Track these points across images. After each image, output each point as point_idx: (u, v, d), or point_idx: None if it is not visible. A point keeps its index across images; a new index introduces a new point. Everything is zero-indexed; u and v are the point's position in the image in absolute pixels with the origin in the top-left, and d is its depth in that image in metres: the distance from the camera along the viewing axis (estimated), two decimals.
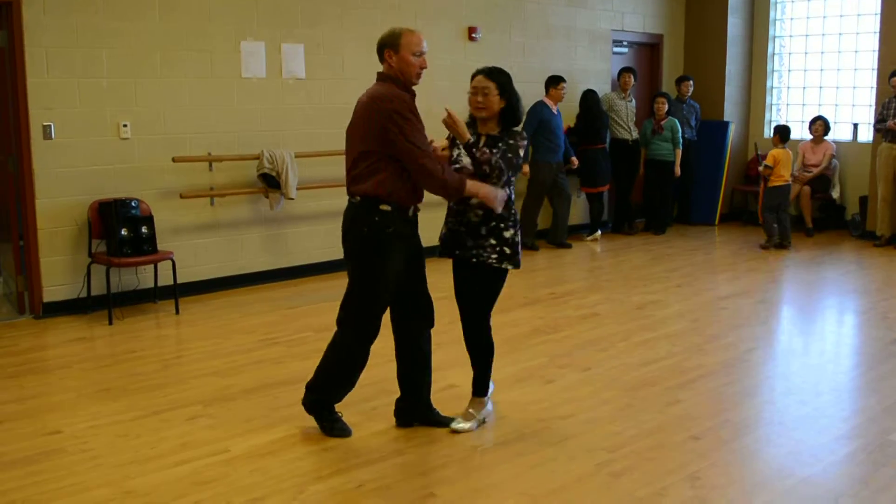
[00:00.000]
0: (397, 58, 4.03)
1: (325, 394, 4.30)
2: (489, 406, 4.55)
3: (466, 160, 4.18)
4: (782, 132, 9.55)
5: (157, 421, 4.58)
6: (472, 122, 4.31)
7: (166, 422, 4.56)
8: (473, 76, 4.26)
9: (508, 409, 4.71)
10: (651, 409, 4.73)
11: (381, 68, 4.14)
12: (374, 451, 4.14)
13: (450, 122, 4.11)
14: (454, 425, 4.35)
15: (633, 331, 6.31)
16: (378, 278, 4.10)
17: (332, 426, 4.31)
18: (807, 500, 3.64)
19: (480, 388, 4.48)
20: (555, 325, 6.37)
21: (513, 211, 4.30)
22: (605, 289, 7.71)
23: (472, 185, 4.08)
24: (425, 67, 4.10)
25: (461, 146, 4.20)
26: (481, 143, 4.22)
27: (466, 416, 4.41)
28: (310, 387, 4.33)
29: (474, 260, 4.24)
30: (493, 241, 4.22)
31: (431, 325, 4.40)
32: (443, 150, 4.29)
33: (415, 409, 4.42)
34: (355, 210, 4.10)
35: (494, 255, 4.23)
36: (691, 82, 11.00)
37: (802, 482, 3.80)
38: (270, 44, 7.71)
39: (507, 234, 4.25)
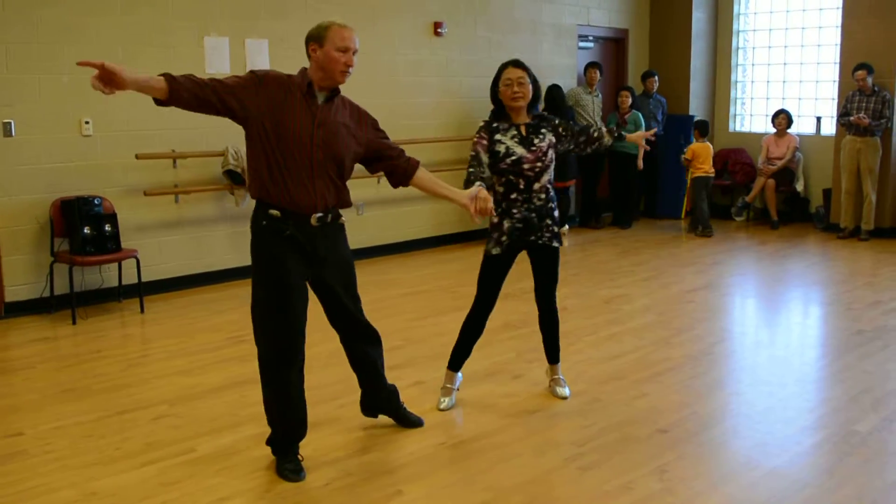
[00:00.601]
0: (321, 52, 3.69)
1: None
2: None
3: (520, 150, 4.38)
4: (701, 127, 10.30)
5: (121, 421, 4.52)
6: (498, 116, 4.49)
7: (131, 422, 4.51)
8: (503, 68, 4.46)
9: (477, 404, 4.71)
10: (618, 402, 4.75)
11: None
12: (340, 448, 4.12)
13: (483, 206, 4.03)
14: (561, 391, 4.80)
15: (600, 325, 6.33)
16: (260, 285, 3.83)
17: (282, 468, 3.87)
18: (773, 492, 3.66)
19: (558, 353, 4.85)
20: (524, 320, 6.36)
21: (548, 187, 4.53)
22: (572, 283, 7.72)
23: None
24: (351, 65, 3.72)
25: (512, 138, 4.41)
26: (523, 133, 4.44)
27: (560, 383, 4.85)
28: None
29: (543, 242, 4.52)
30: (549, 222, 4.51)
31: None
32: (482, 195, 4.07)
33: (378, 399, 4.31)
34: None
35: (551, 235, 4.54)
36: (657, 78, 11.06)
37: (769, 474, 3.83)
38: (234, 39, 7.65)
39: (556, 213, 4.57)
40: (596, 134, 4.65)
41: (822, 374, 5.35)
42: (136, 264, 6.82)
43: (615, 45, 11.70)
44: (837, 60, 10.26)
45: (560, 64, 10.68)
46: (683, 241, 9.87)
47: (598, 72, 10.47)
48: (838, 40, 10.25)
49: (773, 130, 10.73)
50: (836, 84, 10.30)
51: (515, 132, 4.43)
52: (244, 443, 4.20)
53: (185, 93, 3.63)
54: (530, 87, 4.41)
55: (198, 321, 6.51)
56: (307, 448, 4.01)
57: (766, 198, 10.62)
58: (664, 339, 5.93)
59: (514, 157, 4.36)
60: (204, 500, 3.61)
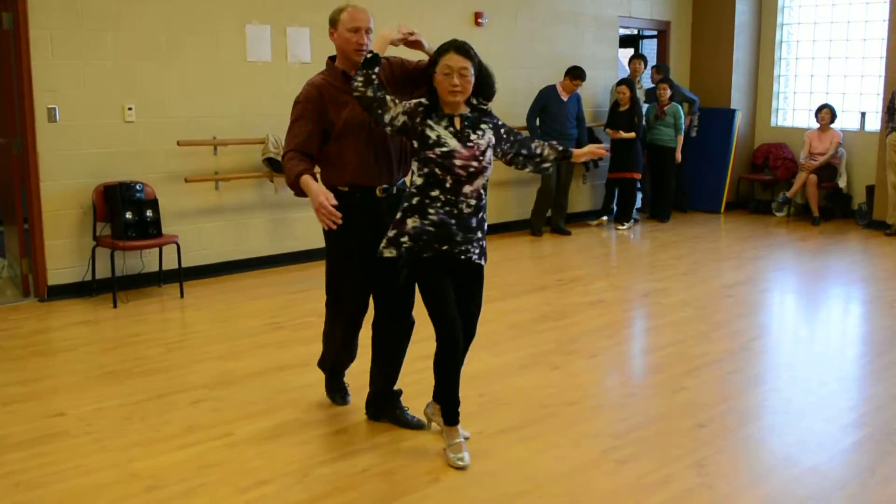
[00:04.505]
0: (337, 34, 3.97)
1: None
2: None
3: (454, 143, 3.72)
4: None
5: (161, 404, 4.57)
6: (431, 104, 3.79)
7: (171, 405, 4.56)
8: (443, 52, 3.74)
9: (514, 394, 4.69)
10: (657, 396, 4.72)
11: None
12: (379, 435, 4.12)
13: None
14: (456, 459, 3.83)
15: (639, 318, 6.30)
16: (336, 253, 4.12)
17: (331, 390, 4.55)
18: (813, 489, 3.62)
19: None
20: (562, 312, 6.34)
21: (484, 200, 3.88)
22: (611, 276, 7.69)
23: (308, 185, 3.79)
24: (363, 44, 3.89)
25: (446, 128, 3.74)
26: (457, 125, 3.76)
27: (459, 449, 3.87)
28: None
29: (463, 257, 3.79)
30: (479, 235, 3.83)
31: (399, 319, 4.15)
32: None
33: (385, 403, 4.27)
34: None
35: (480, 251, 3.85)
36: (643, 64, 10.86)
37: (809, 471, 3.78)
38: (275, 27, 7.68)
39: (486, 225, 3.89)
40: (539, 151, 3.95)
41: (864, 372, 5.28)
42: (176, 250, 6.88)
43: (657, 36, 11.62)
44: (884, 55, 10.10)
45: (601, 55, 10.61)
46: (722, 237, 9.78)
47: (642, 64, 10.39)
48: (885, 34, 10.09)
49: (816, 125, 10.58)
50: (882, 79, 10.13)
51: (448, 123, 3.75)
52: (282, 427, 4.23)
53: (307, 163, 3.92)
54: (473, 79, 3.73)
55: (237, 307, 6.56)
56: (346, 434, 4.05)
57: (807, 193, 10.48)
58: (703, 333, 5.88)
59: (445, 149, 3.69)
60: (242, 484, 3.63)
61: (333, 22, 3.99)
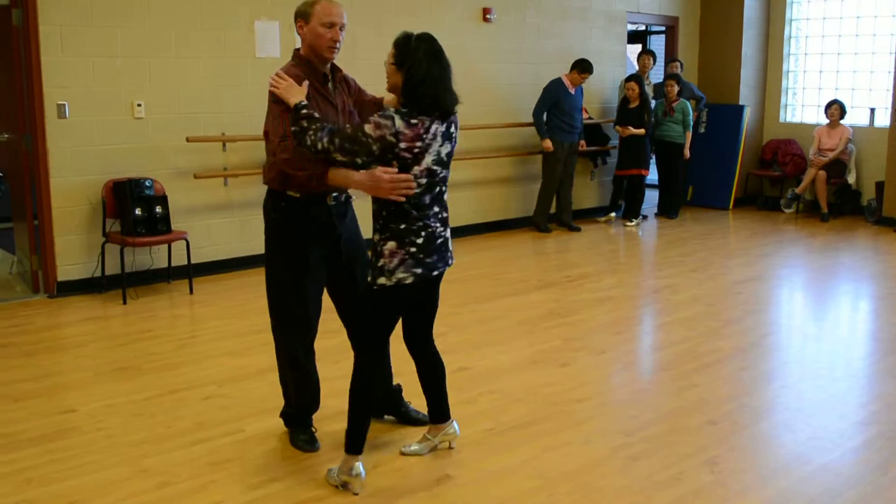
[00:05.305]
0: (307, 28, 3.65)
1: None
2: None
3: None
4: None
5: (171, 400, 4.58)
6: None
7: (181, 401, 4.56)
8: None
9: (523, 391, 4.69)
10: (667, 393, 4.71)
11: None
12: (387, 433, 4.12)
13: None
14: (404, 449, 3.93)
15: (647, 315, 6.29)
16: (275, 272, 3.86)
17: (296, 439, 4.01)
18: (826, 487, 3.61)
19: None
20: (570, 308, 6.34)
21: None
22: (619, 272, 7.67)
23: (341, 174, 3.49)
24: (338, 41, 3.63)
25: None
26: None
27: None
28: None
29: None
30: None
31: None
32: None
33: (387, 401, 4.22)
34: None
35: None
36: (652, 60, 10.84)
37: (821, 468, 3.77)
38: (284, 24, 7.67)
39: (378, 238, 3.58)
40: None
41: (875, 370, 5.26)
42: (185, 246, 6.88)
43: (665, 32, 11.58)
44: (893, 51, 10.06)
45: (610, 50, 10.58)
46: (731, 233, 9.76)
47: (651, 59, 10.37)
48: (894, 30, 10.04)
49: (826, 121, 10.55)
50: (892, 75, 10.10)
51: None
52: None
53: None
54: (394, 69, 3.47)
55: (246, 303, 6.56)
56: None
57: (816, 190, 10.45)
58: (713, 330, 5.86)
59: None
60: (253, 480, 3.64)
61: (304, 15, 3.67)
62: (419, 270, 3.50)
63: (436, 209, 3.55)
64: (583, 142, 9.78)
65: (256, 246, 7.78)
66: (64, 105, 6.60)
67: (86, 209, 6.79)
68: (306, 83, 3.59)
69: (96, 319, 6.20)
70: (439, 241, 3.57)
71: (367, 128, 3.36)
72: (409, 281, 3.49)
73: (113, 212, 6.74)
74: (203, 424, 4.25)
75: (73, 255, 6.79)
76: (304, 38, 3.69)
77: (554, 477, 3.67)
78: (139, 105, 6.94)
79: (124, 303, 6.54)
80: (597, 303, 6.53)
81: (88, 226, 6.81)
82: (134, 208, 6.60)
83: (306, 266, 3.78)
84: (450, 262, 3.67)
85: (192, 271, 6.98)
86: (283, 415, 4.10)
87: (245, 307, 6.45)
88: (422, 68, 3.37)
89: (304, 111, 3.47)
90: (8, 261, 7.89)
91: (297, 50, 3.79)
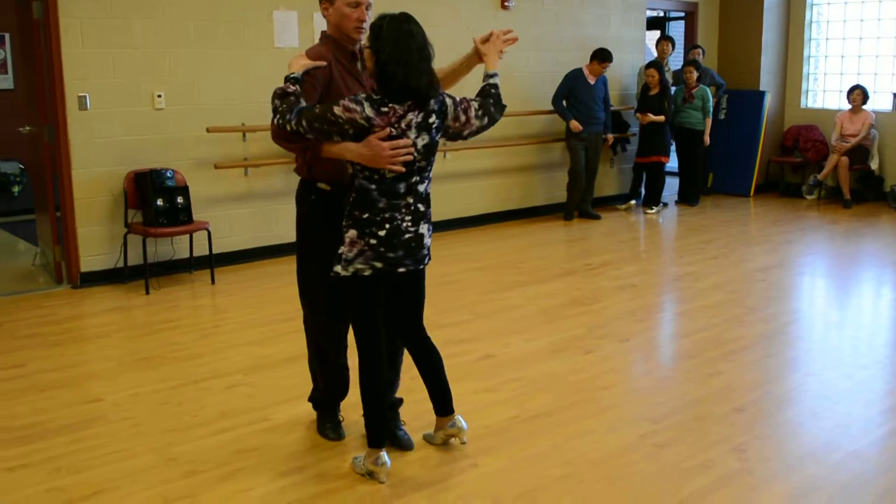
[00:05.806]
0: (333, 9, 3.61)
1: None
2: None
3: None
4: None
5: (196, 389, 4.59)
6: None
7: (206, 390, 4.58)
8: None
9: (547, 379, 4.68)
10: (692, 380, 4.69)
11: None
12: (416, 420, 4.12)
13: None
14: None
15: (670, 302, 6.26)
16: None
17: (323, 427, 4.02)
18: (856, 474, 3.58)
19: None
20: (592, 296, 6.32)
21: None
22: (640, 260, 7.64)
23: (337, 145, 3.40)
24: (364, 20, 3.57)
25: None
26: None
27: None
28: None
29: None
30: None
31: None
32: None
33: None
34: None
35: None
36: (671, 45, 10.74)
37: (850, 455, 3.75)
38: (303, 13, 7.66)
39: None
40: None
41: None
42: (207, 236, 6.90)
43: (685, 18, 11.50)
44: None
45: (628, 37, 10.51)
46: (752, 220, 9.70)
47: (670, 45, 10.29)
48: None
49: (848, 106, 10.46)
50: None
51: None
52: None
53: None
54: (369, 52, 3.39)
55: (268, 292, 6.57)
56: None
57: (838, 176, 10.37)
58: (736, 317, 5.83)
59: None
60: (280, 469, 3.65)
61: None
62: (379, 265, 3.40)
63: (409, 200, 3.44)
64: (610, 136, 9.72)
65: (277, 235, 7.86)
66: (85, 97, 6.62)
67: (108, 200, 6.81)
68: (322, 63, 3.56)
69: (119, 310, 6.23)
70: (406, 236, 3.44)
71: (337, 109, 3.30)
72: (366, 273, 3.41)
73: (135, 202, 6.77)
74: (228, 413, 4.26)
75: (96, 246, 6.81)
76: (330, 19, 3.66)
77: (581, 464, 3.66)
78: (159, 96, 6.95)
79: (147, 293, 6.57)
80: (619, 290, 6.51)
81: (110, 217, 6.83)
82: (155, 199, 6.62)
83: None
84: (424, 261, 3.56)
85: (214, 261, 6.99)
86: (312, 399, 4.10)
87: (267, 297, 6.46)
88: (387, 49, 3.29)
89: (284, 87, 3.45)
90: (31, 252, 7.94)
91: (324, 31, 3.76)
